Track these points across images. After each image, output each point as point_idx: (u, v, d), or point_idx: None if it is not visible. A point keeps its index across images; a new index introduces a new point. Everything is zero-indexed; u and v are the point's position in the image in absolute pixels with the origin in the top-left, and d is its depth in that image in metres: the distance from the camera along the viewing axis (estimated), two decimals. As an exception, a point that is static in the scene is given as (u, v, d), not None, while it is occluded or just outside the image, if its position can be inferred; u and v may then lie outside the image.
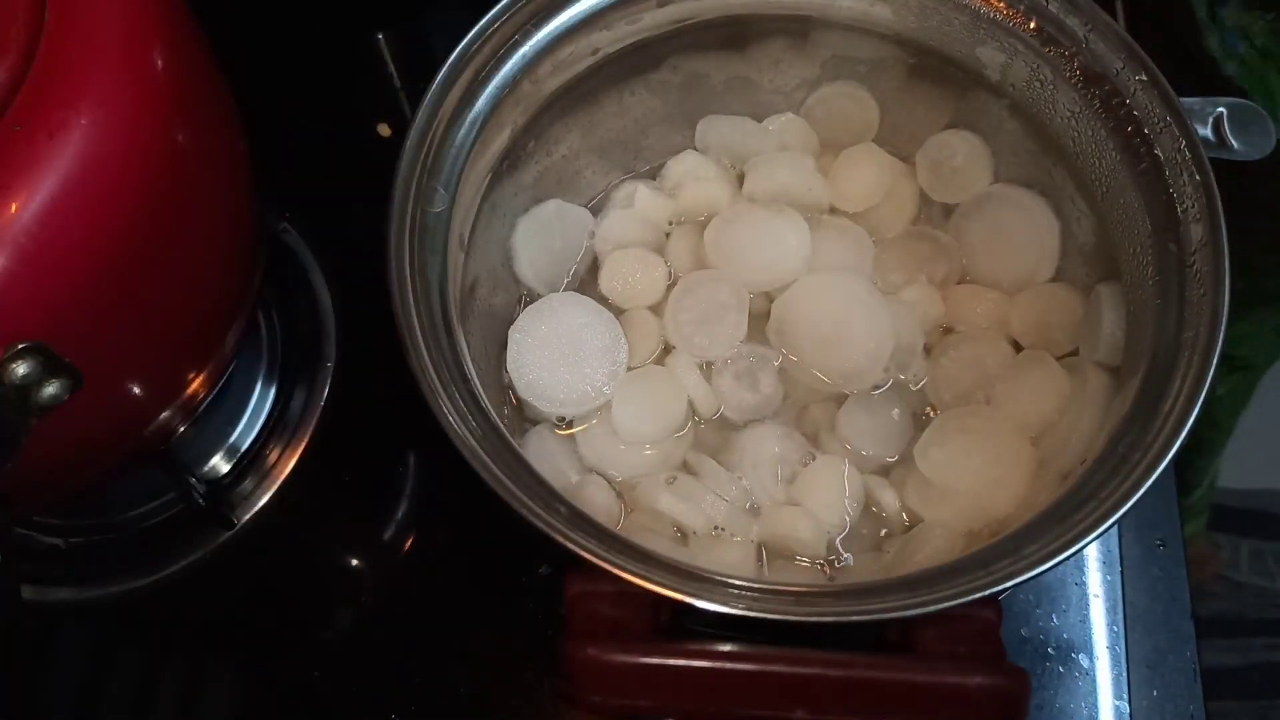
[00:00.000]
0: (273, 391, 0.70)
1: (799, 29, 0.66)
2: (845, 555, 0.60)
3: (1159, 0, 0.88)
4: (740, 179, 0.69)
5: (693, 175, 0.69)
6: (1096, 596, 0.65)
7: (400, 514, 0.69)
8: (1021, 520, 0.52)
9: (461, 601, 0.66)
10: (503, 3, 0.59)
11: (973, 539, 0.58)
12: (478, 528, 0.67)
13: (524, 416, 0.64)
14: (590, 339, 0.63)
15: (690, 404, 0.63)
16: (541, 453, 0.61)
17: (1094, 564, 0.65)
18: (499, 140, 0.61)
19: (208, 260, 0.53)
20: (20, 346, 0.42)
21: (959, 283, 0.66)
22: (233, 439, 0.69)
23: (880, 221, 0.68)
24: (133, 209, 0.45)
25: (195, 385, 0.57)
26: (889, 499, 0.60)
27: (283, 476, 0.67)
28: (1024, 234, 0.65)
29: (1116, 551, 0.66)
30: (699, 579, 0.48)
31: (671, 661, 0.48)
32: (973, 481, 0.58)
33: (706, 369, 0.64)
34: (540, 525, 0.48)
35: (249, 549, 0.66)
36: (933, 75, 0.65)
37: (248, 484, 0.67)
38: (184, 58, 0.48)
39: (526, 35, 0.60)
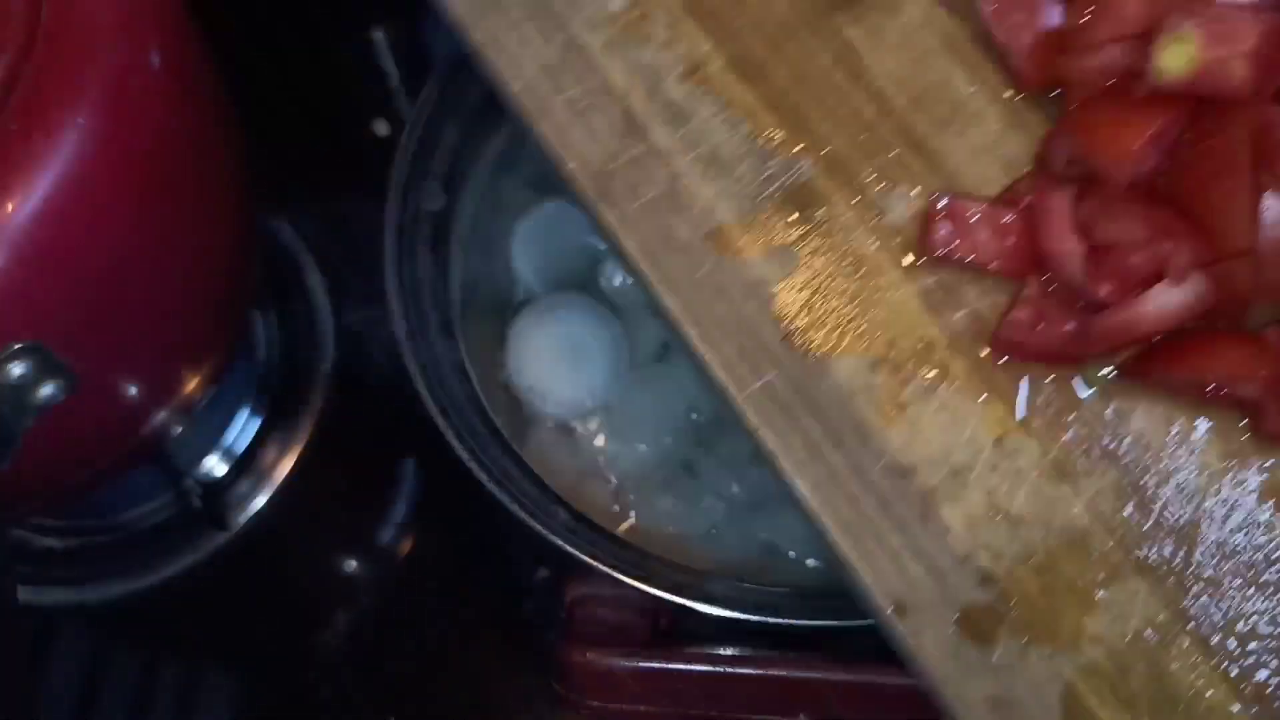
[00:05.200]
0: (270, 393, 0.70)
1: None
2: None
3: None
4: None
5: (693, 175, 0.69)
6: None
7: (398, 516, 0.69)
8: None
9: (460, 604, 0.65)
10: (502, 2, 0.59)
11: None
12: (476, 530, 0.67)
13: (523, 417, 0.63)
14: (590, 339, 0.63)
15: (690, 405, 0.63)
16: (541, 454, 0.61)
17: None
18: (498, 139, 0.61)
19: (205, 260, 0.53)
20: (16, 347, 0.41)
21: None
22: (229, 440, 0.68)
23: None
24: (130, 209, 0.45)
25: (192, 385, 0.56)
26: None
27: (280, 478, 0.67)
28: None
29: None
30: (699, 583, 0.48)
31: (671, 666, 0.48)
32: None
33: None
34: (539, 528, 0.48)
35: (246, 551, 0.66)
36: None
37: (244, 486, 0.67)
38: (183, 57, 0.48)
39: (526, 34, 0.59)
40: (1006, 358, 0.36)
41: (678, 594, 0.47)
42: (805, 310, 0.36)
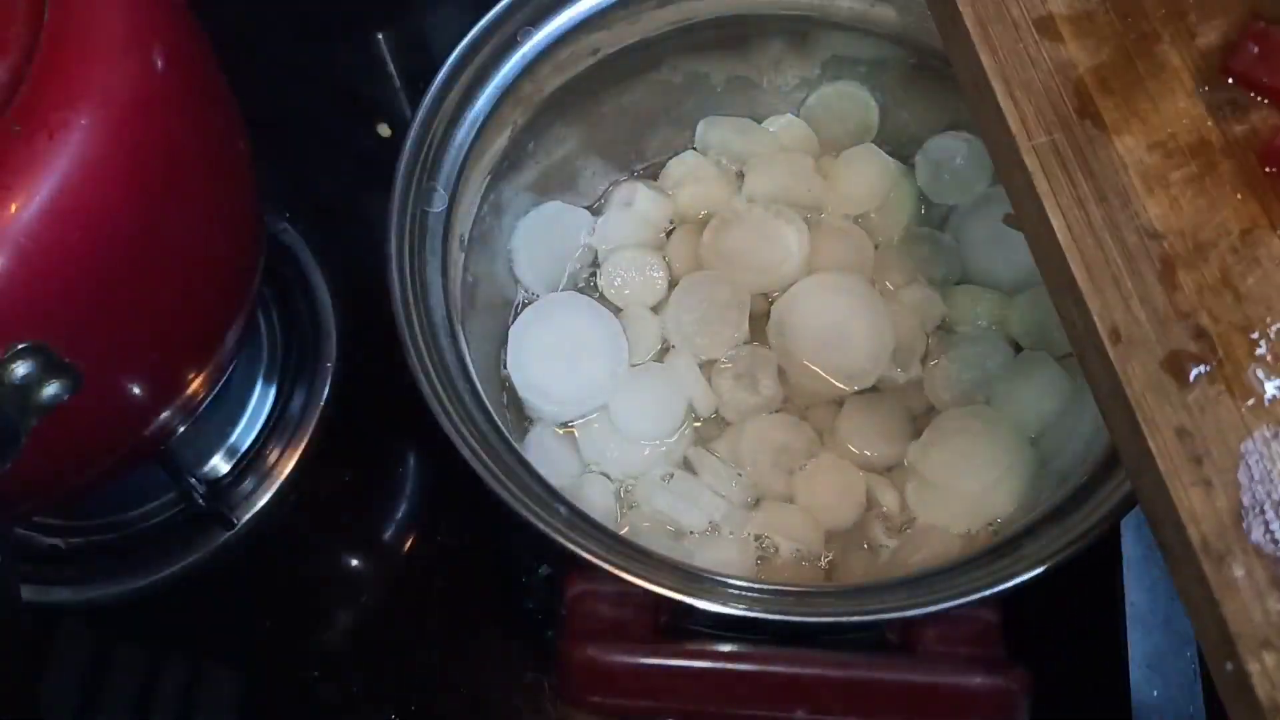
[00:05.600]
0: (273, 391, 0.70)
1: (799, 29, 0.66)
2: (844, 555, 0.60)
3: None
4: (740, 179, 0.69)
5: (693, 175, 0.69)
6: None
7: (400, 514, 0.69)
8: (1021, 520, 0.52)
9: (461, 601, 0.66)
10: (503, 3, 0.59)
11: (972, 540, 0.58)
12: (478, 528, 0.67)
13: (524, 416, 0.64)
14: (590, 339, 0.63)
15: (689, 404, 0.63)
16: (541, 452, 0.61)
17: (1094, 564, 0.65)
18: (499, 140, 0.61)
19: (208, 260, 0.53)
20: (20, 346, 0.42)
21: (959, 283, 0.66)
22: (233, 439, 0.69)
23: (880, 223, 0.68)
24: (133, 209, 0.45)
25: (195, 385, 0.57)
26: (889, 499, 0.60)
27: (283, 476, 0.67)
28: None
29: (1117, 551, 0.66)
30: (699, 579, 0.48)
31: (671, 662, 0.48)
32: (972, 482, 0.58)
33: (706, 369, 0.64)
34: (540, 525, 0.48)
35: (249, 549, 0.66)
36: (933, 75, 0.65)
37: (248, 484, 0.67)
38: (184, 58, 0.48)
39: (526, 35, 0.60)
40: (1273, 169, 0.41)
41: (677, 591, 0.47)
42: (1105, 92, 0.42)
